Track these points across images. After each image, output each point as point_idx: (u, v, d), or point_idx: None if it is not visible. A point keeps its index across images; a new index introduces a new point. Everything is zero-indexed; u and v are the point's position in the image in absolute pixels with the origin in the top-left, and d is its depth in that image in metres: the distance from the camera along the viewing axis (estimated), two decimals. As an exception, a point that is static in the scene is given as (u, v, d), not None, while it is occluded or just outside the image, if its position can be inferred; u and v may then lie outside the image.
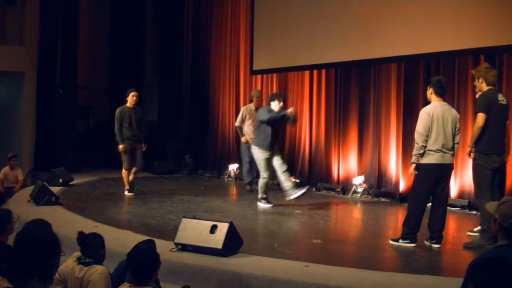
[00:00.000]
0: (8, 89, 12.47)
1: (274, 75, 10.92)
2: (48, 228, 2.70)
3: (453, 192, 7.95)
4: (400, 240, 5.54)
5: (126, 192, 8.59)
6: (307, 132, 10.20)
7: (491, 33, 7.37)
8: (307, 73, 10.23)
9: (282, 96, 8.05)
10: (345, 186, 9.32)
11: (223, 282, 4.56)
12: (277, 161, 7.67)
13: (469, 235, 6.01)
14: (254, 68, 11.04)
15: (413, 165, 5.53)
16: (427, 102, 8.36)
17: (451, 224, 7.09)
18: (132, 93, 8.51)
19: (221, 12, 12.10)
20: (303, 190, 7.64)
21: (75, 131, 12.40)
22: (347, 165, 9.51)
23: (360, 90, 9.36)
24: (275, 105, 7.66)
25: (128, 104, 8.50)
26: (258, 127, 7.77)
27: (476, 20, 7.57)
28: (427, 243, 5.58)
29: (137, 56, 12.92)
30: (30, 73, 11.80)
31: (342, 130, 9.60)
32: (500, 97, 5.53)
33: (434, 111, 5.48)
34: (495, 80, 5.60)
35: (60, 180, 9.24)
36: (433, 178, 5.46)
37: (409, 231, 5.51)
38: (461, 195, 7.79)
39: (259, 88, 11.09)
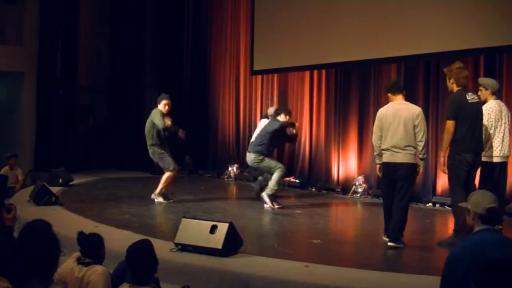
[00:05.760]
0: (8, 89, 12.46)
1: (275, 75, 10.93)
2: (48, 228, 2.70)
3: (453, 192, 7.94)
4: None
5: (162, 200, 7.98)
6: (307, 132, 10.21)
7: (491, 33, 7.37)
8: (307, 73, 10.23)
9: (288, 110, 8.17)
10: (345, 186, 9.32)
11: (223, 282, 4.56)
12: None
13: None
14: (255, 68, 11.04)
15: (378, 166, 5.71)
16: (427, 102, 8.50)
17: (451, 225, 7.07)
18: (164, 101, 8.06)
19: (221, 12, 12.10)
20: (269, 204, 7.54)
21: (75, 131, 12.39)
22: (347, 165, 9.51)
23: (360, 90, 9.36)
24: (282, 118, 7.81)
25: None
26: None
27: (476, 20, 7.57)
28: (384, 238, 5.61)
29: (137, 56, 12.91)
30: (30, 73, 11.79)
31: (342, 130, 9.60)
32: (470, 96, 5.51)
33: (385, 111, 5.57)
34: (466, 82, 5.60)
35: (60, 180, 9.24)
36: (386, 176, 5.57)
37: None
38: (461, 195, 7.77)
39: (259, 88, 11.11)
